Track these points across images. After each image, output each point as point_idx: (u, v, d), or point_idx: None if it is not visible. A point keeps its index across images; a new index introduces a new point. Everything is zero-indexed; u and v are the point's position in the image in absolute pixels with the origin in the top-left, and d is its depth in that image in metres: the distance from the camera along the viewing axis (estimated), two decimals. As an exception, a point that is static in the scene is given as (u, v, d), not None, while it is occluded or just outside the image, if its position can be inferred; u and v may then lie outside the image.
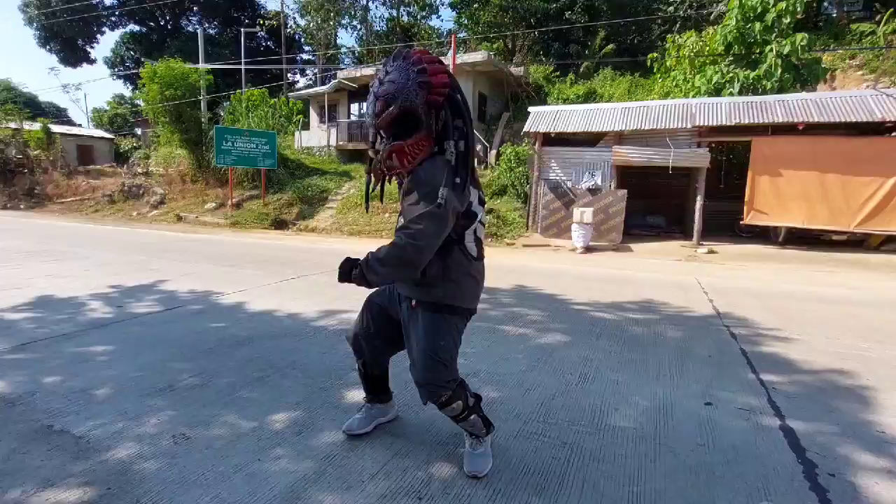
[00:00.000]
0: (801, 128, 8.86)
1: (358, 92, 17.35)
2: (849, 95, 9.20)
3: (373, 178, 1.74)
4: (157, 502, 1.63)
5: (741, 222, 9.82)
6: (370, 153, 1.68)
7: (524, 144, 12.43)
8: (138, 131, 30.81)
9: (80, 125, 35.11)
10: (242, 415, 2.25)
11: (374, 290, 1.93)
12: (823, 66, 12.33)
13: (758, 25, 11.55)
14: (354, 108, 18.23)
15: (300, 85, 32.56)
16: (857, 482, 1.82)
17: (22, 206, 17.94)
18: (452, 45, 13.08)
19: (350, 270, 1.64)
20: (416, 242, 1.51)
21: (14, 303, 4.18)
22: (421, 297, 1.68)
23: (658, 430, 2.18)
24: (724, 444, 2.07)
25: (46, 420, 2.16)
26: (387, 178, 1.73)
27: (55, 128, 22.03)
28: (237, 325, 3.69)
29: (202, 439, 2.03)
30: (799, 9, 11.38)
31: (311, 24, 29.10)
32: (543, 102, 16.31)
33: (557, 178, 10.85)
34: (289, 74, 32.19)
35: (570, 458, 1.94)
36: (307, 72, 33.78)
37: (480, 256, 1.75)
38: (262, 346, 3.20)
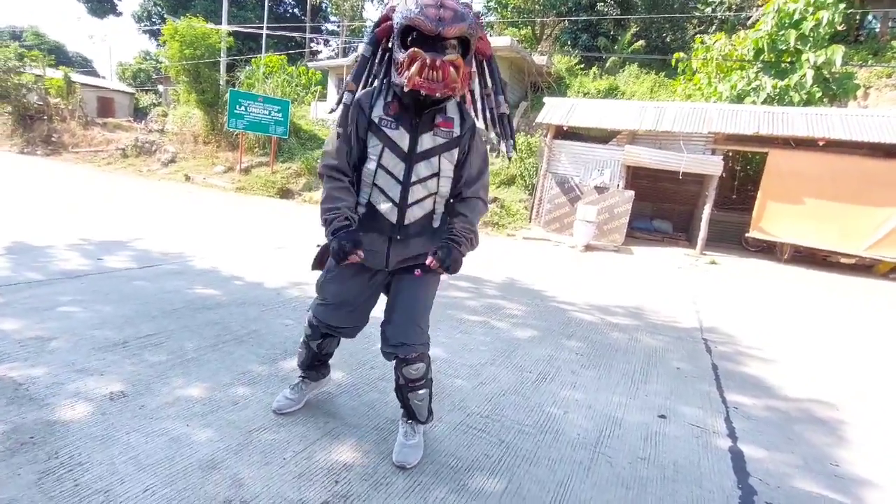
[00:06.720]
0: (821, 143, 8.55)
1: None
2: (877, 115, 8.85)
3: (414, 82, 1.41)
4: (73, 456, 1.62)
5: (746, 235, 9.59)
6: (413, 53, 1.39)
7: (537, 135, 12.20)
8: (160, 88, 30.82)
9: (103, 77, 35.24)
10: (186, 378, 2.24)
11: (332, 277, 1.90)
12: (857, 82, 11.84)
13: (793, 33, 11.10)
14: (372, 82, 17.97)
15: (322, 56, 32.18)
16: (794, 513, 1.75)
17: (38, 153, 18.12)
18: (475, 27, 12.80)
19: (447, 258, 1.59)
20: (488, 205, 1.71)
21: (-2, 245, 4.21)
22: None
23: (601, 439, 2.12)
24: (666, 459, 2.01)
25: (-9, 364, 2.16)
26: (428, 91, 1.43)
27: (77, 77, 22.04)
28: (209, 289, 3.67)
29: (138, 399, 2.02)
30: (838, 19, 10.89)
31: (339, -6, 28.66)
32: (563, 94, 15.97)
33: (566, 172, 10.65)
34: (311, 44, 31.87)
35: (502, 458, 1.89)
36: (330, 42, 33.40)
37: None
38: (228, 312, 3.19)
